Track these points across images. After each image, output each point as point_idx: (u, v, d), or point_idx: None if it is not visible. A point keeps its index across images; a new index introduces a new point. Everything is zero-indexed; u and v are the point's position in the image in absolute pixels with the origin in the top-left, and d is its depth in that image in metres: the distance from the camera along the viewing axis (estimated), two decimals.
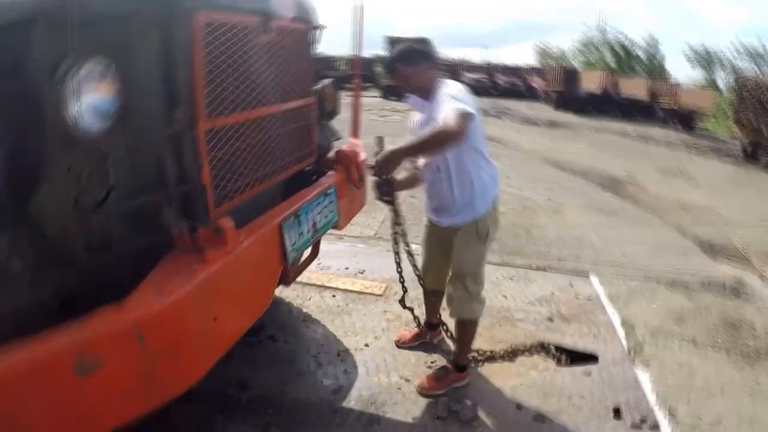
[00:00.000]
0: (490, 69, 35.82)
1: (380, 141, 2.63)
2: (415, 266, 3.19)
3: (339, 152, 2.95)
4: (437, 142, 2.43)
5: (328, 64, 26.21)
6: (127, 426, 1.58)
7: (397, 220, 2.99)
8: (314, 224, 2.44)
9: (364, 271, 4.63)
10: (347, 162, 2.93)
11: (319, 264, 4.69)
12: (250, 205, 2.24)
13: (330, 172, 2.87)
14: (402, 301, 3.28)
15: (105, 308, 1.45)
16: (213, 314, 1.70)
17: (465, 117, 2.40)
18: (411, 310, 3.38)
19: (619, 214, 7.33)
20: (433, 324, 3.46)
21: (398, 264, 3.11)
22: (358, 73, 3.32)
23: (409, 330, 3.55)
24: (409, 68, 2.81)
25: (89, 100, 1.49)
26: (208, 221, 1.86)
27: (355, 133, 3.67)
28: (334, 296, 4.15)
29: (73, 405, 1.40)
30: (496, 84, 33.53)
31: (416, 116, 2.95)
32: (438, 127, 2.42)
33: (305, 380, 3.14)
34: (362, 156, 3.11)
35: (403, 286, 3.21)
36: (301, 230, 2.30)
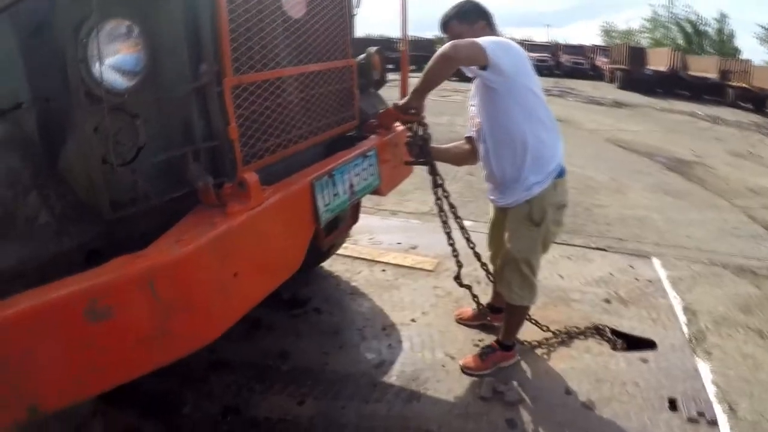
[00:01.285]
0: (553, 48, 34.95)
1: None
2: (468, 239, 2.98)
3: (380, 115, 2.75)
4: (433, 65, 2.30)
5: (388, 45, 25.59)
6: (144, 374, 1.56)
7: (436, 181, 2.78)
8: (351, 186, 2.27)
9: (416, 246, 4.45)
10: (388, 121, 2.74)
11: (371, 238, 4.62)
12: (285, 167, 2.20)
13: (372, 136, 2.71)
14: (457, 278, 3.01)
15: (122, 257, 1.41)
16: (233, 270, 1.60)
17: (470, 45, 2.26)
18: (469, 288, 3.09)
19: (685, 196, 6.84)
20: (495, 307, 3.24)
21: (448, 235, 2.89)
22: (406, 31, 3.23)
23: (471, 308, 3.34)
24: (464, 26, 2.59)
25: (114, 58, 1.49)
26: (234, 178, 1.78)
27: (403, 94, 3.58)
28: (384, 271, 4.01)
29: (83, 350, 1.37)
30: (560, 64, 32.47)
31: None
32: (443, 48, 2.30)
33: (347, 353, 3.04)
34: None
35: (458, 261, 2.97)
36: (336, 191, 2.15)
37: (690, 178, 8.10)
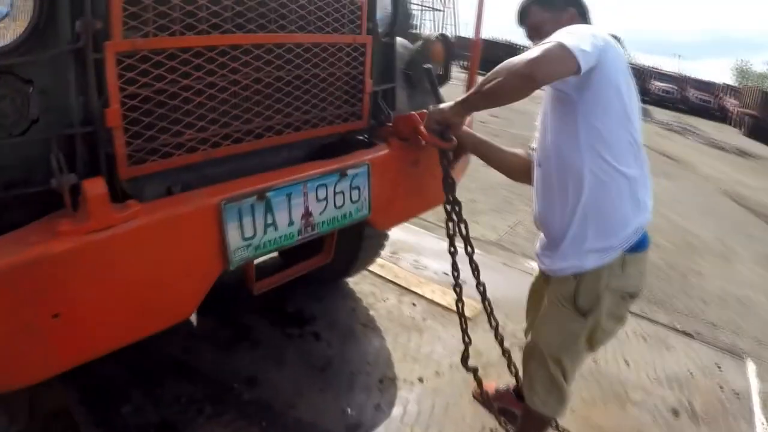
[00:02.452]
0: (681, 81, 31.85)
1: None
2: (483, 293, 2.21)
3: (397, 119, 2.03)
4: (499, 81, 1.55)
5: (509, 51, 24.35)
6: None
7: (447, 179, 1.99)
8: (307, 215, 1.60)
9: (464, 282, 3.76)
10: (405, 130, 1.97)
11: (415, 261, 3.92)
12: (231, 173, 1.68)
13: (381, 145, 1.97)
14: (464, 360, 2.26)
15: None
16: (51, 309, 1.18)
17: (557, 55, 1.47)
18: (474, 371, 2.32)
19: None
20: (520, 394, 2.34)
21: (454, 265, 2.12)
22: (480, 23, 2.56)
23: (497, 385, 2.58)
24: (548, 14, 1.87)
25: None
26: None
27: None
28: (413, 305, 3.30)
29: None
30: (685, 98, 29.58)
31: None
32: (512, 59, 1.55)
33: (323, 400, 2.45)
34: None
35: (461, 314, 2.22)
36: (272, 220, 1.50)
37: None
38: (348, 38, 1.79)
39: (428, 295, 3.45)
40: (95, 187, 1.20)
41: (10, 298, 1.13)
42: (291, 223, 1.56)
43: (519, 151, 2.17)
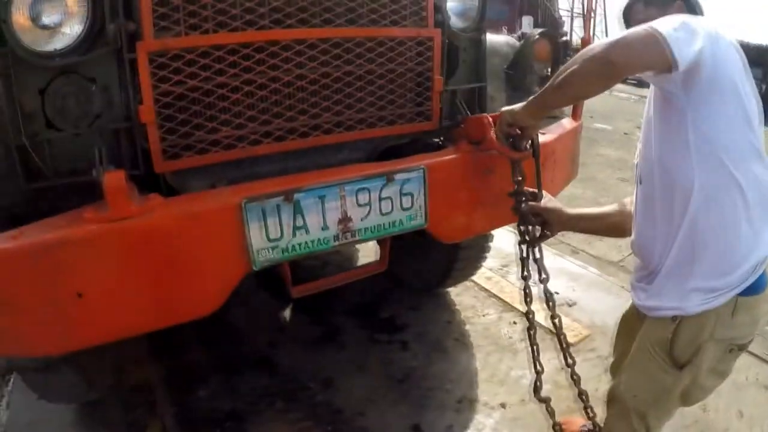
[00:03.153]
0: None
1: None
2: (566, 350, 1.97)
3: (468, 121, 1.87)
4: (575, 70, 1.35)
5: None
6: None
7: (519, 198, 1.76)
8: (346, 220, 1.53)
9: (574, 303, 3.38)
10: (476, 134, 1.82)
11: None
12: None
13: (449, 149, 1.83)
14: (536, 391, 2.00)
15: None
16: (75, 288, 1.27)
17: (643, 40, 1.23)
18: (546, 402, 2.05)
19: None
20: None
21: (526, 289, 1.90)
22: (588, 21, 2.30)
23: (584, 421, 2.25)
24: (652, 9, 1.62)
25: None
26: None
27: (575, 111, 2.62)
28: (514, 323, 3.08)
29: None
30: None
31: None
32: (586, 49, 1.36)
33: (394, 413, 2.39)
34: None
35: (533, 345, 1.97)
36: (299, 222, 1.45)
37: None
38: (411, 32, 1.68)
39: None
40: (114, 180, 1.25)
41: (37, 274, 1.23)
42: (325, 227, 1.50)
43: (615, 207, 1.90)
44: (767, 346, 3.07)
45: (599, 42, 1.32)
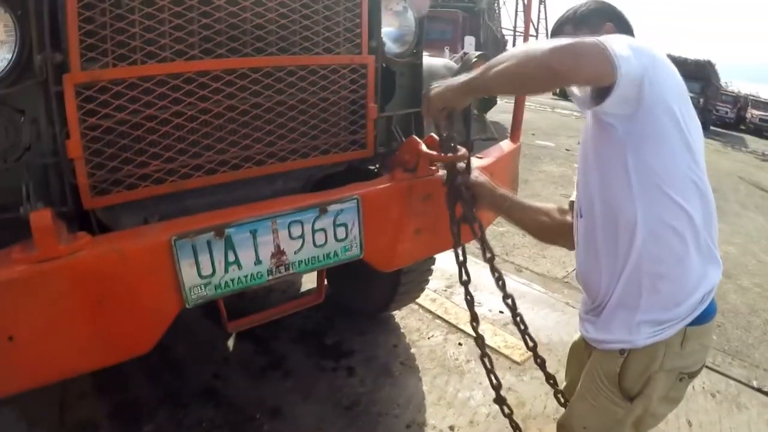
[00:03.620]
0: None
1: None
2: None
3: (401, 147, 1.87)
4: (512, 65, 1.30)
5: None
6: None
7: (449, 182, 1.77)
8: (278, 253, 1.51)
9: (518, 315, 3.46)
10: (410, 159, 1.81)
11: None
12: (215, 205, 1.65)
13: (383, 177, 1.82)
14: (500, 401, 1.92)
15: None
16: (6, 332, 1.22)
17: (590, 50, 1.19)
18: (509, 416, 1.96)
19: None
20: None
21: (467, 294, 1.88)
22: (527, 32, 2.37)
23: None
24: (584, 31, 1.54)
25: None
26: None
27: (514, 134, 2.69)
28: (460, 344, 3.11)
29: None
30: None
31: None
32: (530, 43, 1.32)
33: None
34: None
35: (486, 368, 1.89)
36: (231, 258, 1.42)
37: None
38: (344, 59, 1.70)
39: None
40: (41, 219, 1.21)
41: None
42: (258, 261, 1.49)
43: (551, 206, 1.89)
44: (712, 354, 3.21)
45: (543, 42, 1.27)
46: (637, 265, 1.39)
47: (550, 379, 1.95)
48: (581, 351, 1.76)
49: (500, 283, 1.86)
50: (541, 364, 1.94)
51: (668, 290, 1.38)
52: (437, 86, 1.56)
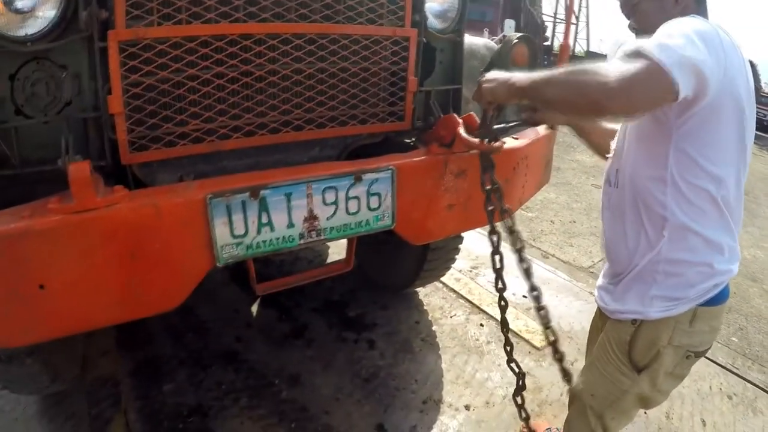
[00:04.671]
0: None
1: None
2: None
3: (439, 122, 1.86)
4: (555, 94, 1.25)
5: None
6: None
7: (488, 201, 1.72)
8: (311, 218, 1.51)
9: (542, 308, 3.46)
10: (447, 135, 1.79)
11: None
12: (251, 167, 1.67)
13: (419, 150, 1.81)
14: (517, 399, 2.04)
15: None
16: (36, 280, 1.24)
17: (646, 80, 1.10)
18: (521, 407, 2.06)
19: None
20: None
21: (499, 280, 1.85)
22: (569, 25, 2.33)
23: (546, 426, 2.32)
24: (656, 2, 1.45)
25: None
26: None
27: None
28: (481, 325, 3.12)
29: None
30: None
31: None
32: (589, 67, 1.18)
33: (360, 411, 2.40)
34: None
35: (507, 346, 2.00)
36: (265, 219, 1.44)
37: None
38: (387, 31, 1.68)
39: (499, 317, 3.22)
40: (79, 171, 1.23)
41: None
42: (291, 225, 1.49)
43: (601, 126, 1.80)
44: (732, 356, 3.16)
45: (599, 70, 1.16)
46: (660, 253, 1.42)
47: (566, 376, 1.95)
48: (598, 330, 1.79)
49: (527, 273, 1.82)
50: (559, 359, 1.94)
51: (687, 276, 1.41)
52: (491, 78, 1.49)
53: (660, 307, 1.44)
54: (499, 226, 1.83)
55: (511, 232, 1.75)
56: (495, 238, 1.81)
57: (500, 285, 1.89)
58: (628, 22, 1.52)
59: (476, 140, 1.63)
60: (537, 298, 1.77)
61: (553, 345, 1.82)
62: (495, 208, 1.74)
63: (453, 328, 3.11)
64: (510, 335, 1.99)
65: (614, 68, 1.13)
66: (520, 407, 2.06)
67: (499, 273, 1.86)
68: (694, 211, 1.36)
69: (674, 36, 1.15)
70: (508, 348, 1.98)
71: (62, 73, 1.35)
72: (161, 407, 2.36)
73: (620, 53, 1.19)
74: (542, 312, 1.78)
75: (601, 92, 1.13)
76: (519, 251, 1.76)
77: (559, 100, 1.26)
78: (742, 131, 1.31)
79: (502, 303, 1.90)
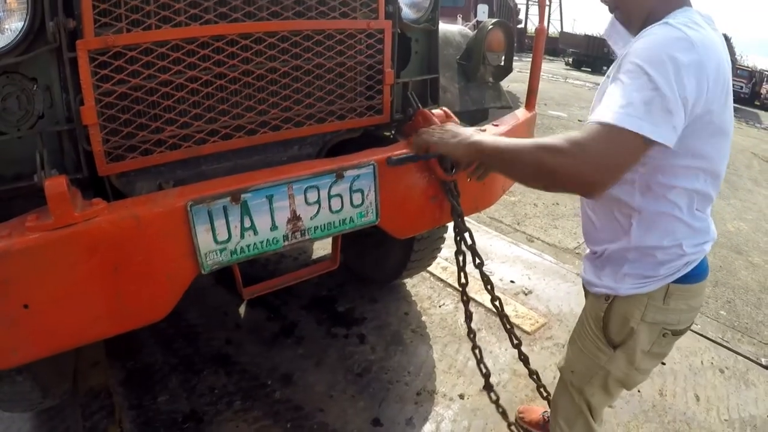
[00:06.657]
0: None
1: None
2: (493, 294, 2.08)
3: (418, 115, 1.84)
4: (515, 162, 1.24)
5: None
6: None
7: (454, 209, 1.86)
8: (294, 218, 1.50)
9: (530, 292, 3.45)
10: (423, 124, 1.78)
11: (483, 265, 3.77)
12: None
13: (400, 143, 1.80)
14: (487, 386, 2.10)
15: None
16: (20, 300, 1.22)
17: (607, 152, 1.11)
18: (495, 402, 2.14)
19: None
20: None
21: (463, 293, 2.04)
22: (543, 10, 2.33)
23: (541, 410, 2.37)
24: None
25: None
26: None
27: (529, 101, 2.64)
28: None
29: None
30: None
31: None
32: (550, 143, 1.16)
33: (355, 406, 2.40)
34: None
35: (475, 350, 2.09)
36: (247, 224, 1.42)
37: None
38: (361, 24, 1.66)
39: (488, 304, 3.22)
40: (56, 186, 1.21)
41: None
42: (274, 227, 1.48)
43: None
44: (722, 330, 3.21)
45: (559, 142, 1.14)
46: (631, 241, 1.43)
47: (533, 374, 2.07)
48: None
49: (488, 287, 2.07)
50: (525, 360, 2.17)
51: (657, 257, 1.42)
52: (451, 132, 1.51)
53: (631, 284, 1.45)
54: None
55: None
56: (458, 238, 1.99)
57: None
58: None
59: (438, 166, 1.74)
60: (500, 307, 2.05)
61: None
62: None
63: (442, 317, 3.12)
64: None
65: (578, 137, 1.13)
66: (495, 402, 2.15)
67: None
68: (664, 204, 1.36)
69: (635, 104, 1.12)
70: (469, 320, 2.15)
71: (33, 86, 1.32)
72: (156, 415, 2.34)
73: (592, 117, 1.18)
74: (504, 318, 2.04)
75: (561, 166, 1.13)
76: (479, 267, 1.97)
77: (526, 180, 1.26)
78: (720, 125, 1.28)
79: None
